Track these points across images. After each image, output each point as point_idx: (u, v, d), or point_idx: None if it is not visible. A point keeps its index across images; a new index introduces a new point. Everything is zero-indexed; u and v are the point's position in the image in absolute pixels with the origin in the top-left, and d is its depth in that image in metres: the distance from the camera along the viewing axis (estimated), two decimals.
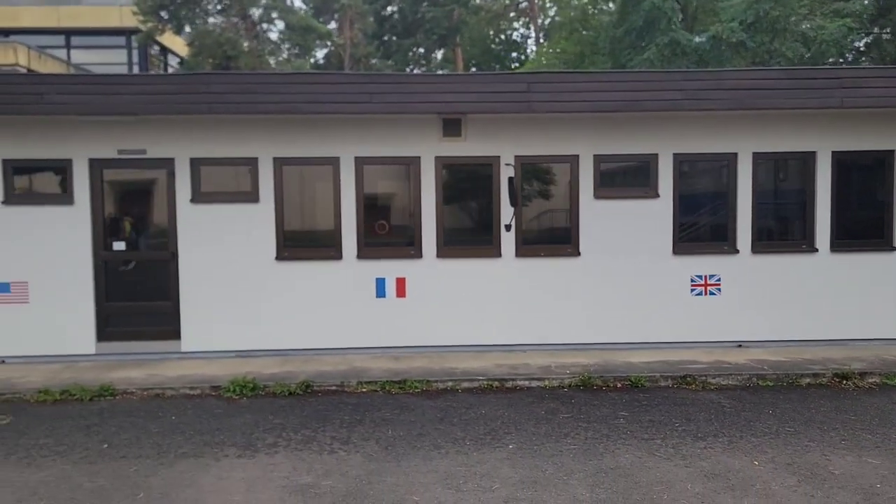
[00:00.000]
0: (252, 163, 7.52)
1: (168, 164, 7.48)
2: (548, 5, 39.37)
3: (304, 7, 26.34)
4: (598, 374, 6.69)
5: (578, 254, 7.70)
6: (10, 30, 24.13)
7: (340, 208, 7.61)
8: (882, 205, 7.81)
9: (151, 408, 5.94)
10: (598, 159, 7.66)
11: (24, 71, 17.65)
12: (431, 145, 7.60)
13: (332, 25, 32.51)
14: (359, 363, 7.26)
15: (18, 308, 7.39)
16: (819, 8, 12.19)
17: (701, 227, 7.89)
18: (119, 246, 7.52)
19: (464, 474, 4.36)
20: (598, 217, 7.68)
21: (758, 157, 7.72)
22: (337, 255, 7.63)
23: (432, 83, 7.27)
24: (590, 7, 16.48)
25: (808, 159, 7.73)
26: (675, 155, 7.67)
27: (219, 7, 23.07)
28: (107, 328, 7.54)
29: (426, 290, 7.67)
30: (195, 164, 7.48)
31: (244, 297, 7.55)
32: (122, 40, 25.47)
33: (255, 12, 23.38)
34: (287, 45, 26.31)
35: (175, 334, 7.59)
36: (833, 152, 7.70)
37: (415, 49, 38.01)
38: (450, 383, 6.60)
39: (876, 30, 13.86)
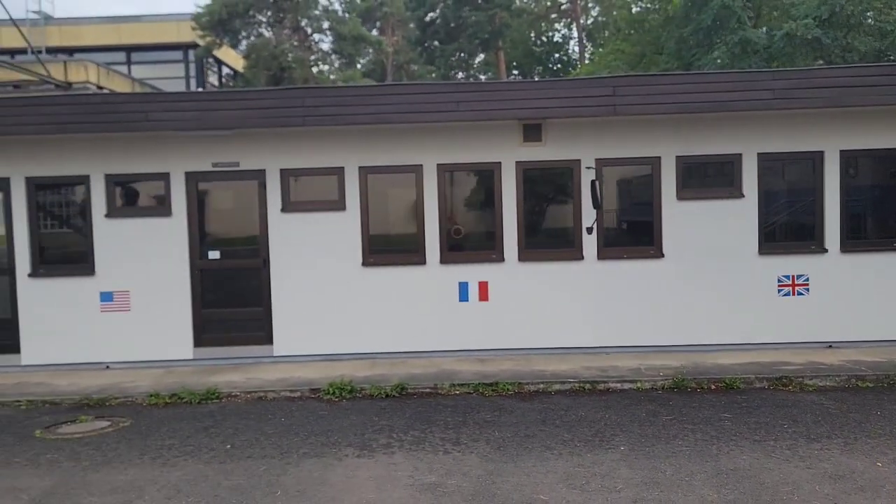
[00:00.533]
0: (338, 172, 7.75)
1: (259, 175, 7.77)
2: (590, 6, 39.18)
3: (349, 17, 26.72)
4: (691, 375, 6.69)
5: (662, 255, 7.70)
6: (74, 48, 25.21)
7: (424, 214, 7.77)
8: None
9: (258, 410, 6.18)
10: (681, 160, 7.65)
11: (95, 88, 18.42)
12: (512, 151, 7.71)
13: (374, 33, 32.96)
14: (446, 366, 7.40)
15: (121, 316, 7.77)
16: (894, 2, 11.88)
17: (787, 226, 7.80)
18: (214, 255, 7.83)
19: (583, 475, 4.44)
20: (681, 218, 7.67)
21: (845, 155, 7.59)
22: (421, 260, 7.80)
23: (518, 90, 7.37)
24: (648, 5, 16.37)
25: None
26: (760, 154, 7.60)
27: (272, 20, 23.64)
28: (203, 334, 7.86)
29: (508, 294, 7.77)
30: (285, 174, 7.75)
31: (332, 303, 7.78)
32: (179, 55, 26.35)
33: (308, 23, 23.89)
34: (335, 56, 26.79)
35: (267, 339, 7.86)
36: None
37: (458, 54, 38.21)
38: (541, 385, 6.68)
39: None
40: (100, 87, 18.73)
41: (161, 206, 7.77)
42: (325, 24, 24.42)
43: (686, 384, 6.52)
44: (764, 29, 12.62)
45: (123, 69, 25.49)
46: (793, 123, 7.57)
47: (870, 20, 11.80)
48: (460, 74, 39.77)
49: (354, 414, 5.96)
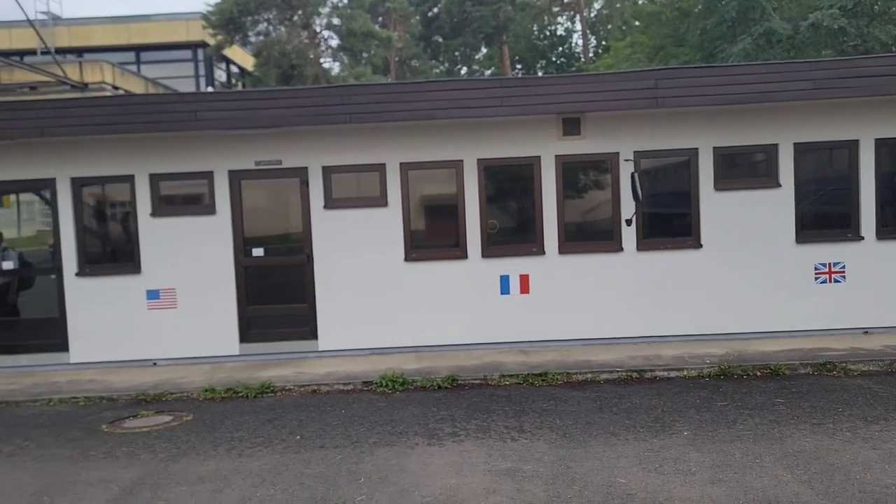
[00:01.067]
0: (380, 168, 7.85)
1: (302, 172, 7.87)
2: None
3: (358, 13, 26.72)
4: (736, 363, 6.81)
5: (700, 245, 7.81)
6: (83, 48, 25.24)
7: (464, 209, 7.88)
8: None
9: (315, 403, 6.30)
10: (718, 151, 7.76)
11: (111, 88, 18.48)
12: (551, 144, 7.82)
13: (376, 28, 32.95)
14: (490, 358, 7.53)
15: (168, 313, 7.88)
16: None
17: (823, 215, 7.91)
18: (258, 252, 7.94)
19: (655, 459, 4.56)
20: (719, 208, 7.78)
21: (880, 144, 7.70)
22: (462, 254, 7.91)
23: (560, 84, 7.47)
24: None
25: None
26: (796, 144, 7.72)
27: (283, 17, 23.68)
28: (248, 330, 7.98)
29: (549, 286, 7.89)
30: (327, 171, 7.85)
31: (375, 297, 7.89)
32: (188, 54, 26.38)
33: (318, 20, 23.93)
34: (343, 52, 26.82)
35: (311, 334, 7.98)
36: None
37: (462, 49, 38.27)
38: (589, 375, 6.80)
39: None
40: (115, 88, 18.78)
41: (205, 205, 7.87)
42: (335, 21, 24.47)
43: (732, 371, 6.65)
44: (787, 20, 12.72)
45: (132, 69, 25.58)
46: (828, 113, 7.67)
47: (894, 8, 11.91)
48: (464, 70, 39.88)
49: (412, 405, 6.08)
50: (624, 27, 32.64)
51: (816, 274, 7.80)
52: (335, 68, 26.44)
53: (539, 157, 7.85)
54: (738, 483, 4.12)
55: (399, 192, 7.86)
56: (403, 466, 4.60)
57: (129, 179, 7.83)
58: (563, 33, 41.86)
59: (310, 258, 7.92)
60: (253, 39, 24.59)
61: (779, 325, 7.77)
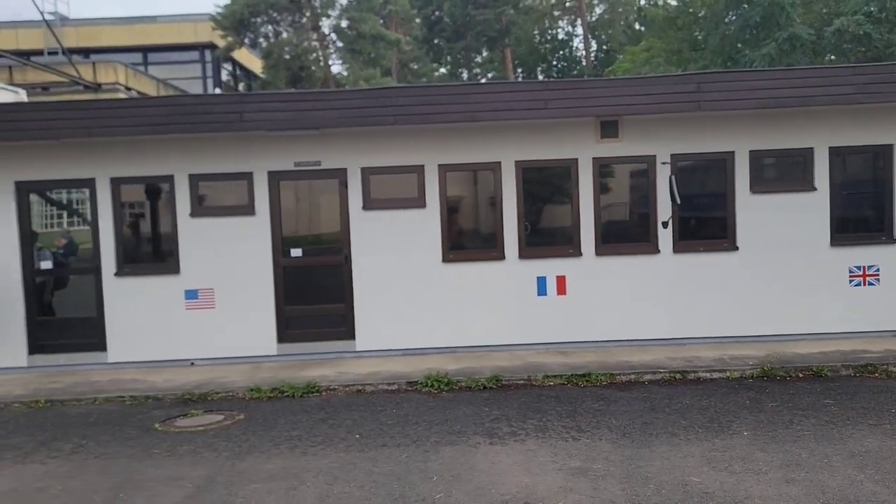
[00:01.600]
0: (418, 170, 7.88)
1: (340, 173, 7.89)
2: (595, 2, 39.38)
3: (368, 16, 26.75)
4: (778, 364, 6.88)
5: (736, 248, 7.88)
6: (91, 49, 25.16)
7: (502, 210, 7.93)
8: None
9: (363, 402, 6.32)
10: (754, 155, 7.83)
11: (124, 89, 18.46)
12: (588, 147, 7.88)
13: None
14: (530, 358, 7.56)
15: (206, 313, 7.88)
16: None
17: (857, 218, 8.00)
18: (296, 252, 7.95)
19: (722, 458, 4.61)
20: (754, 211, 7.85)
21: None
22: (500, 255, 7.95)
23: (602, 87, 7.54)
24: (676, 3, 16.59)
25: None
26: (831, 148, 7.80)
27: (293, 19, 23.71)
28: (287, 330, 7.99)
29: (586, 287, 7.94)
30: (365, 173, 7.88)
31: (412, 298, 7.92)
32: (195, 55, 26.36)
33: (327, 23, 23.98)
34: (351, 54, 26.84)
35: (349, 334, 7.99)
36: None
37: (465, 52, 38.37)
38: (632, 376, 6.85)
39: None
40: (128, 89, 18.77)
41: (244, 205, 7.88)
42: (344, 24, 24.51)
43: (775, 373, 6.71)
44: (808, 25, 12.87)
45: (140, 70, 25.54)
46: (863, 117, 7.76)
47: None
48: (465, 73, 39.98)
49: (462, 405, 6.10)
50: (628, 31, 32.81)
51: (851, 277, 7.88)
52: (343, 71, 26.45)
53: (576, 159, 7.90)
54: (813, 482, 4.17)
55: (437, 194, 7.90)
56: (472, 465, 4.63)
57: (169, 180, 7.84)
58: (565, 37, 42.02)
59: (347, 258, 7.95)
60: (262, 42, 24.58)
61: (813, 328, 7.84)
